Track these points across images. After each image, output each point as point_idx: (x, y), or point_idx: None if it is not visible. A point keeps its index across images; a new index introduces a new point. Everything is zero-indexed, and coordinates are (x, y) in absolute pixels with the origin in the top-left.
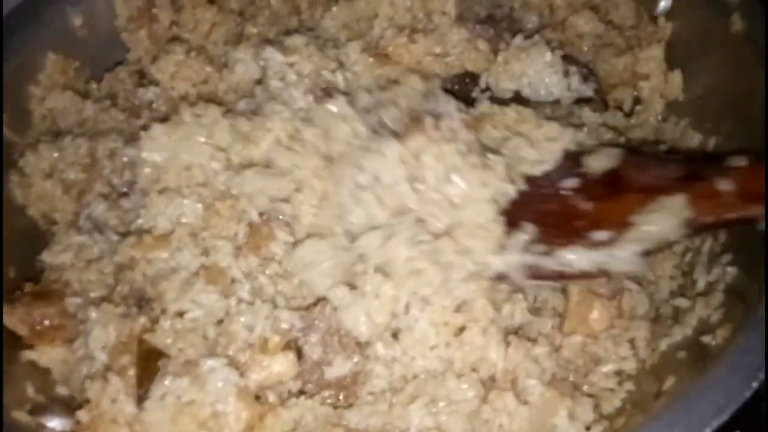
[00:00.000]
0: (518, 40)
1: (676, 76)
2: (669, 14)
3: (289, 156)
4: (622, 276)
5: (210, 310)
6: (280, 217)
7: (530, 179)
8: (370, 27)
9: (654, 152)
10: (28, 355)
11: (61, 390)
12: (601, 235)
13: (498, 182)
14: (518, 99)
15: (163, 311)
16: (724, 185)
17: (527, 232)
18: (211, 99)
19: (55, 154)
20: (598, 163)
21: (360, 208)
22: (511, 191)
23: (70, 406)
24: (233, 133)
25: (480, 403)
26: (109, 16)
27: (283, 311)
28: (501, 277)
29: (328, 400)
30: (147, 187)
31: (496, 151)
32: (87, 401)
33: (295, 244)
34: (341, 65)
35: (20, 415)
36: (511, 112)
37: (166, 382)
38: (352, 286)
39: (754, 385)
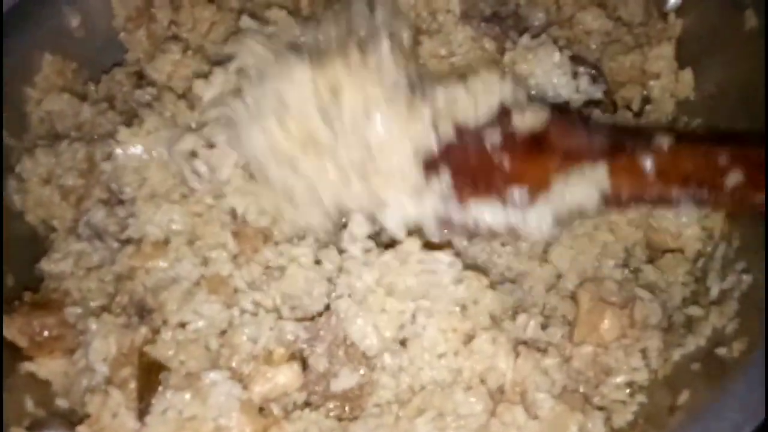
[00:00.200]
0: (525, 39)
1: (687, 75)
2: (679, 10)
3: None
4: (530, 237)
5: (212, 320)
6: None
7: (458, 128)
8: None
9: (584, 117)
10: (27, 366)
11: (61, 403)
12: (517, 193)
13: (421, 135)
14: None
15: (164, 322)
16: (646, 163)
17: (445, 180)
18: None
19: (53, 160)
20: (526, 122)
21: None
22: (433, 144)
23: (70, 420)
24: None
25: (488, 417)
26: (106, 15)
27: (288, 322)
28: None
29: (333, 413)
30: (135, 193)
31: (426, 95)
32: (87, 415)
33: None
34: None
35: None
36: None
37: (168, 396)
38: (355, 300)
39: None
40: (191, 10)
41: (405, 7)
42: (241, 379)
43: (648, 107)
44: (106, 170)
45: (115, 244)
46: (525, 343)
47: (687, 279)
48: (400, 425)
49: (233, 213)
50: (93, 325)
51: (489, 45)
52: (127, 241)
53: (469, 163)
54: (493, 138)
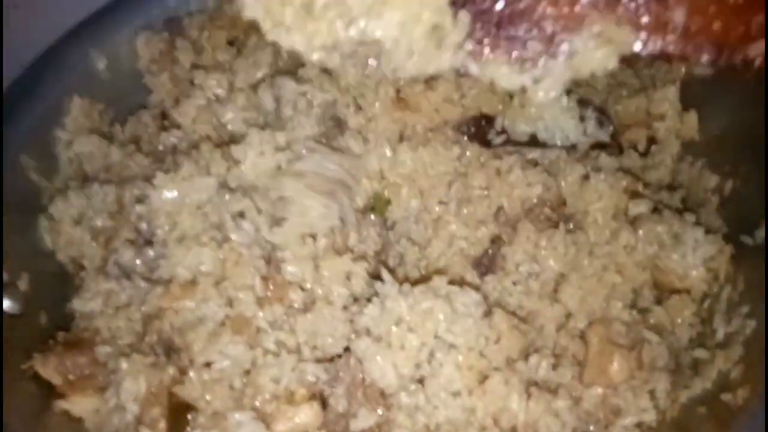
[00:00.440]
0: None
1: (692, 117)
2: None
3: None
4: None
5: (236, 360)
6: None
7: None
8: None
9: None
10: (61, 404)
11: None
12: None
13: None
14: (534, 142)
15: (191, 362)
16: (678, 9)
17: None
18: (232, 140)
19: (84, 201)
20: None
21: None
22: None
23: None
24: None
25: None
26: (131, 58)
27: (309, 364)
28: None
29: None
30: (165, 237)
31: None
32: None
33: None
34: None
35: None
36: None
37: None
38: (375, 337)
39: None
40: (212, 53)
41: None
42: (263, 419)
43: (654, 147)
44: (141, 212)
45: (142, 284)
46: (536, 384)
47: (693, 320)
48: None
49: (268, 258)
50: (123, 364)
51: (498, 88)
52: (155, 281)
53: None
54: None
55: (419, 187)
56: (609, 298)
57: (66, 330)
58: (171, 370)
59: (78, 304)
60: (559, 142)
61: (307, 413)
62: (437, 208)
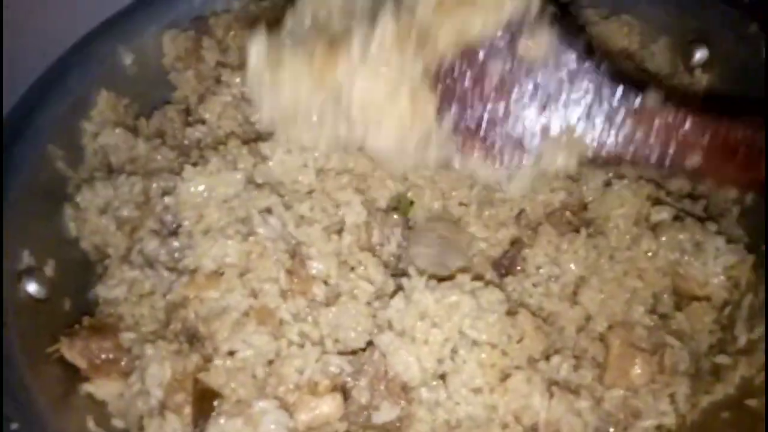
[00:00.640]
0: None
1: None
2: (705, 65)
3: None
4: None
5: (260, 350)
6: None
7: (466, 52)
8: None
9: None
10: (86, 387)
11: (117, 423)
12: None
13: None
14: None
15: (215, 350)
16: (626, 122)
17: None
18: (259, 137)
19: (111, 191)
20: (531, 51)
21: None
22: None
23: None
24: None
25: None
26: (157, 55)
27: (333, 356)
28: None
29: None
30: (192, 228)
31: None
32: None
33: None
34: None
35: None
36: None
37: (221, 422)
38: (399, 331)
39: None
40: (238, 52)
41: None
42: (286, 408)
43: None
44: (168, 204)
45: (165, 273)
46: (557, 383)
47: (713, 327)
48: None
49: (293, 253)
50: (149, 350)
51: None
52: (178, 271)
53: (471, 97)
54: (495, 67)
55: (441, 189)
56: (630, 302)
57: (90, 316)
58: (195, 358)
59: (102, 291)
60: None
61: (330, 404)
62: (458, 210)
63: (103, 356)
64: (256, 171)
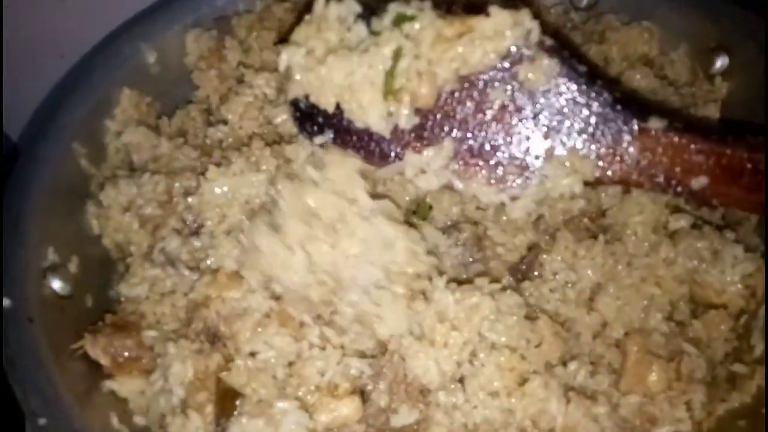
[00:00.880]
0: None
1: None
2: (725, 73)
3: None
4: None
5: (281, 351)
6: None
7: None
8: None
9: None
10: (109, 384)
11: (139, 420)
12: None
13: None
14: None
15: (237, 350)
16: (631, 146)
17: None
18: (281, 139)
19: (134, 190)
20: (532, 76)
21: None
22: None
23: None
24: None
25: None
26: (180, 54)
27: (354, 359)
28: None
29: None
30: (214, 228)
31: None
32: None
33: None
34: None
35: None
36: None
37: (243, 422)
38: (418, 335)
39: None
40: (260, 53)
41: None
42: (306, 409)
43: None
44: (191, 204)
45: (186, 272)
46: (573, 389)
47: (729, 335)
48: None
49: None
50: (171, 349)
51: None
52: (199, 270)
53: (469, 121)
54: (496, 93)
55: (459, 193)
56: (647, 309)
57: (113, 314)
58: (216, 357)
59: (124, 289)
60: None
61: (349, 406)
62: (476, 214)
63: (126, 354)
64: (278, 173)
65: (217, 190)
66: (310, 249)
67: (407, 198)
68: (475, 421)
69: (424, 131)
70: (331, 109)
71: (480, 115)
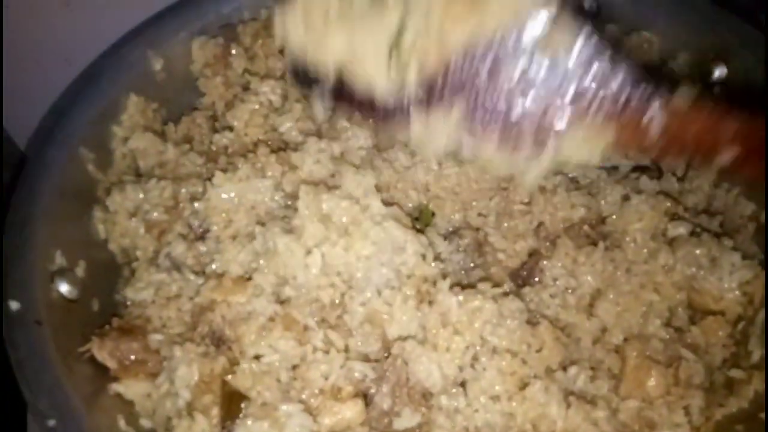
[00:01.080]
0: None
1: None
2: (724, 82)
3: None
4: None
5: (285, 355)
6: None
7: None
8: None
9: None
10: (115, 387)
11: (145, 423)
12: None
13: None
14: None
15: (241, 354)
16: (657, 115)
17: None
18: (287, 146)
19: (141, 195)
20: (555, 43)
21: None
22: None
23: None
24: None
25: None
26: (186, 61)
27: (357, 362)
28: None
29: None
30: (220, 233)
31: None
32: None
33: None
34: None
35: None
36: None
37: (249, 424)
38: (421, 340)
39: None
40: (265, 60)
41: None
42: (310, 412)
43: (691, 173)
44: (197, 209)
45: (191, 277)
46: (573, 394)
47: (727, 341)
48: None
49: None
50: (177, 352)
51: None
52: (205, 274)
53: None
54: (514, 62)
55: (462, 200)
56: (646, 315)
57: (119, 318)
58: (222, 361)
59: (130, 293)
60: (600, 164)
61: (352, 409)
62: (478, 221)
63: (132, 357)
64: (284, 179)
65: (224, 196)
66: (325, 250)
67: (410, 205)
68: (476, 425)
69: (434, 93)
70: (331, 75)
71: (495, 78)
